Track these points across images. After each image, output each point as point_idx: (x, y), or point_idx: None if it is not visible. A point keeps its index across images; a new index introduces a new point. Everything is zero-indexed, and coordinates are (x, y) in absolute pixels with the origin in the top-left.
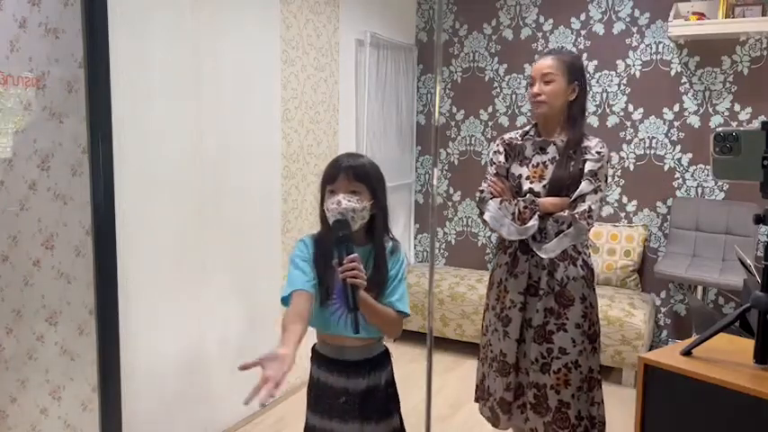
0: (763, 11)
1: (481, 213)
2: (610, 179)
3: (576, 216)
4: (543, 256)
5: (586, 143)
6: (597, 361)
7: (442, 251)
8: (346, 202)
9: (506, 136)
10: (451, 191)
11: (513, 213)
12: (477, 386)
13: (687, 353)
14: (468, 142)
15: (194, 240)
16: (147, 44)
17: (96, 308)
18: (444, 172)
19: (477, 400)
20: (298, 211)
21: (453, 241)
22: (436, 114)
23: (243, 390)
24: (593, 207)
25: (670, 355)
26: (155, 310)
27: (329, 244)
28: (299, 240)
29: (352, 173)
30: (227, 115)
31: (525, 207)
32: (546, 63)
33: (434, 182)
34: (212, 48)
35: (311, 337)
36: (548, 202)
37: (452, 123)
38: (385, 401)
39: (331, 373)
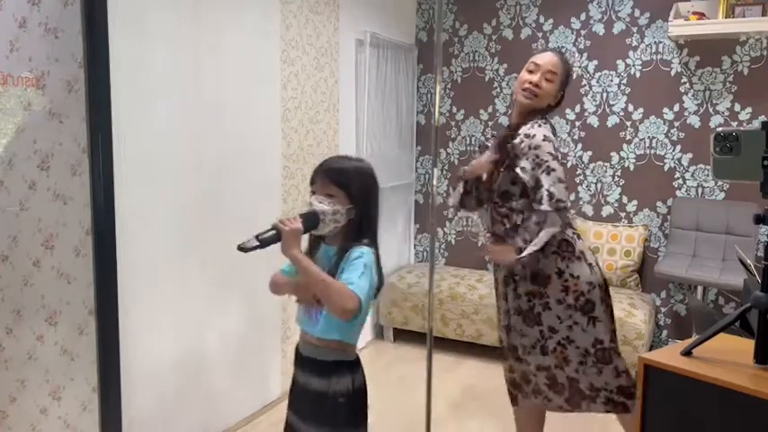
0: (763, 11)
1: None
2: (609, 178)
3: (541, 209)
4: (532, 249)
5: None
6: (602, 331)
7: (441, 251)
8: (317, 204)
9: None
10: (451, 191)
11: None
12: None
13: (687, 353)
14: (468, 142)
15: (194, 240)
16: (147, 44)
17: (96, 308)
18: (444, 172)
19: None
20: (298, 210)
21: (453, 241)
22: (436, 114)
23: (243, 390)
24: (551, 190)
25: (670, 355)
26: (155, 309)
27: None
28: None
29: (328, 177)
30: (227, 115)
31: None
32: (555, 61)
33: (434, 182)
34: (212, 48)
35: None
36: (495, 252)
37: (452, 123)
38: (332, 411)
39: (294, 366)
